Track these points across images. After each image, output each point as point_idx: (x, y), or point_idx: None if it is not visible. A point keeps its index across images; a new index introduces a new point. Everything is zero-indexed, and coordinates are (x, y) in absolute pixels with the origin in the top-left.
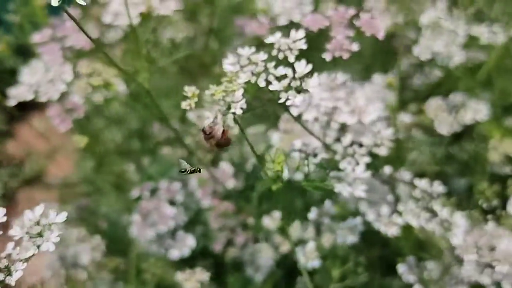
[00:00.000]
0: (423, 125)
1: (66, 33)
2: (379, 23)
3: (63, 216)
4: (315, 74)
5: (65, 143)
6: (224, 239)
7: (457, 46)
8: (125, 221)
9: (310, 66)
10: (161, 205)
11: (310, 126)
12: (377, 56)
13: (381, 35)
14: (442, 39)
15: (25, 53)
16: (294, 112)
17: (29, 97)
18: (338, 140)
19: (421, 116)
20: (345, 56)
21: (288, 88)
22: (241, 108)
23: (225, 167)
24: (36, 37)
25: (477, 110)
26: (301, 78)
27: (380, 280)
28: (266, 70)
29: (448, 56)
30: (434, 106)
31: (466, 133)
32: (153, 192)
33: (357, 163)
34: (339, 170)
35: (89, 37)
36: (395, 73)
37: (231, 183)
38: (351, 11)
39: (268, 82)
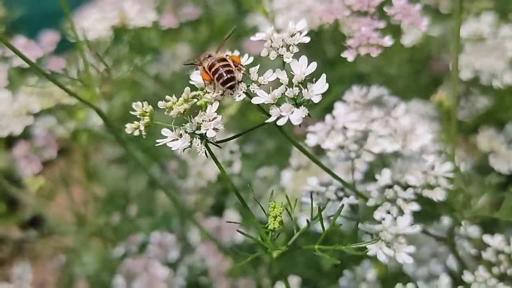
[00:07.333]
0: (473, 162)
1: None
2: (418, 10)
3: None
4: (322, 77)
5: None
6: None
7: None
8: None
9: (313, 65)
10: (151, 264)
11: (333, 158)
12: (411, 77)
13: (423, 26)
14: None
15: None
16: (311, 140)
17: None
18: (371, 178)
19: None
20: (374, 53)
21: (280, 99)
22: (215, 129)
23: (232, 216)
24: None
25: None
26: (302, 84)
27: None
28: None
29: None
30: (487, 138)
31: None
32: (142, 247)
33: (401, 213)
34: (373, 222)
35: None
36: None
37: (239, 237)
38: None
39: (249, 94)
